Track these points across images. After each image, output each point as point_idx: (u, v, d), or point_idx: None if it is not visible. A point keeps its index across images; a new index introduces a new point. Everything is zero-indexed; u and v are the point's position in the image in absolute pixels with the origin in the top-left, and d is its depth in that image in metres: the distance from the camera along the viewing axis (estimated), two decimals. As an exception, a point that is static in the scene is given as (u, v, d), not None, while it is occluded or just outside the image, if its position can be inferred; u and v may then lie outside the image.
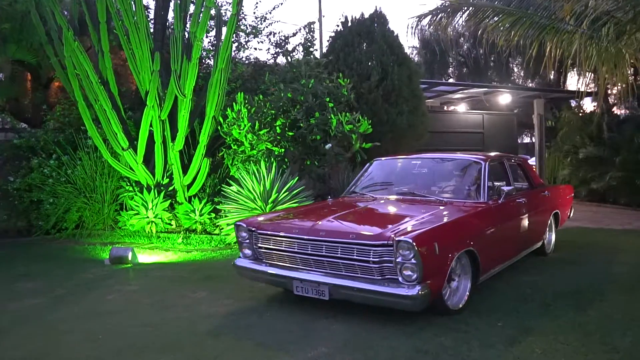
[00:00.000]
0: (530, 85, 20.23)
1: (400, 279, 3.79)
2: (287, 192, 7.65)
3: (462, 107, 17.25)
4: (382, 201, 5.34)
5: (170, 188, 8.80)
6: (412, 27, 7.21)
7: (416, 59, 21.81)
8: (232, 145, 8.67)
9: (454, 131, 13.72)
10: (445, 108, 17.51)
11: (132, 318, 4.39)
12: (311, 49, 10.89)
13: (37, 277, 6.00)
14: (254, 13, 16.58)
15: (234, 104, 8.40)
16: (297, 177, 7.84)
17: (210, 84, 8.04)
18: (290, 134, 8.36)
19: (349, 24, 10.26)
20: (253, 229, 4.65)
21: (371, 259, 3.89)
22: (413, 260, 3.71)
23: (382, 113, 9.37)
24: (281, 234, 4.44)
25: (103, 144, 8.48)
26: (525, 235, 5.66)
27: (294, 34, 11.76)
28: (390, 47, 9.81)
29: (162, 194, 8.55)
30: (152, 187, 8.70)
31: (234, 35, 12.13)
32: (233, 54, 12.73)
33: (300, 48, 11.41)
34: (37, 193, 9.19)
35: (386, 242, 3.83)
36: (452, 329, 3.94)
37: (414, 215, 4.49)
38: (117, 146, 8.34)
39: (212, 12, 8.06)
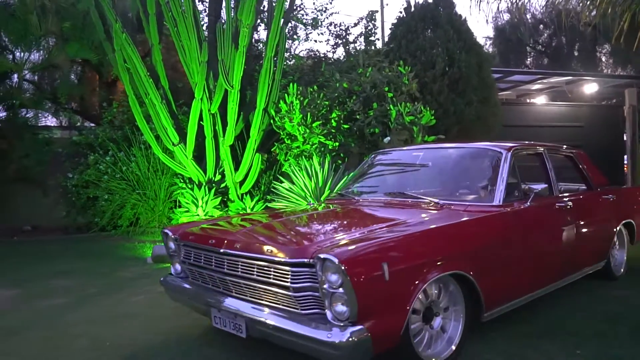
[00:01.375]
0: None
1: (329, 315, 2.63)
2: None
3: (540, 99, 15.85)
4: (360, 205, 4.23)
5: (223, 185, 8.46)
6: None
7: (490, 49, 20.45)
8: (285, 139, 8.20)
9: (543, 125, 12.47)
10: (528, 100, 16.17)
11: (148, 324, 3.97)
12: (372, 38, 10.21)
13: (75, 275, 5.79)
14: (314, 4, 16.05)
15: (286, 95, 7.91)
16: (352, 173, 7.22)
17: (260, 75, 7.59)
18: (346, 126, 7.74)
19: (412, 9, 9.47)
20: (178, 237, 3.69)
21: (290, 284, 2.73)
22: (341, 290, 2.54)
23: (448, 104, 8.53)
24: (199, 245, 3.47)
25: (154, 140, 8.26)
26: (574, 252, 4.32)
27: (355, 24, 11.13)
28: (457, 33, 8.93)
29: (212, 191, 8.21)
30: (204, 183, 8.39)
31: (291, 26, 11.73)
32: (292, 46, 12.34)
33: (362, 39, 10.77)
34: (93, 189, 9.17)
35: (307, 260, 2.68)
36: None
37: (376, 224, 3.35)
38: (167, 141, 8.08)
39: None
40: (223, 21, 8.40)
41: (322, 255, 2.57)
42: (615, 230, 5.12)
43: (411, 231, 3.10)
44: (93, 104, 12.45)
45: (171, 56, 10.17)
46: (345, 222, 3.78)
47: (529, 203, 3.77)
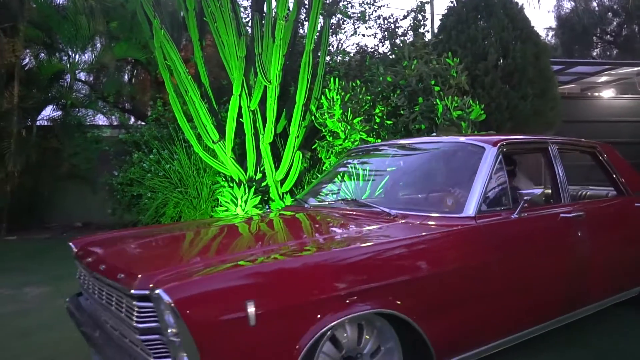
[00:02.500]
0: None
1: None
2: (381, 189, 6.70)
3: (607, 93, 14.73)
4: (292, 216, 3.56)
5: (264, 184, 8.27)
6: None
7: (552, 41, 19.30)
8: (327, 136, 7.90)
9: (610, 120, 11.55)
10: (593, 94, 15.10)
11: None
12: (421, 30, 9.72)
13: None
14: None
15: (327, 91, 7.60)
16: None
17: (300, 69, 7.33)
18: (389, 122, 7.35)
19: (464, -3, 8.94)
20: (76, 254, 3.01)
21: (135, 323, 2.07)
22: (175, 339, 1.89)
23: (501, 97, 7.96)
24: (79, 263, 2.90)
25: (194, 138, 8.16)
26: (591, 276, 3.45)
27: (405, 17, 10.65)
28: (512, 21, 8.33)
29: (252, 190, 8.03)
30: (244, 182, 8.23)
31: (339, 20, 11.39)
32: (340, 40, 12.01)
33: (411, 32, 10.29)
34: (137, 187, 9.20)
35: (147, 292, 1.98)
36: None
37: (273, 243, 2.77)
38: (207, 139, 7.96)
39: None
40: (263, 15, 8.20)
41: (156, 289, 1.89)
42: None
43: (310, 254, 2.28)
44: (145, 103, 12.63)
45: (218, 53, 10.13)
46: (237, 239, 3.11)
47: (516, 214, 2.93)
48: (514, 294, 2.90)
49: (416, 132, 7.43)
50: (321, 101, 7.61)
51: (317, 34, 7.36)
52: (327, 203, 3.89)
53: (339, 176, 4.22)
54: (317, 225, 3.23)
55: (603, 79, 13.93)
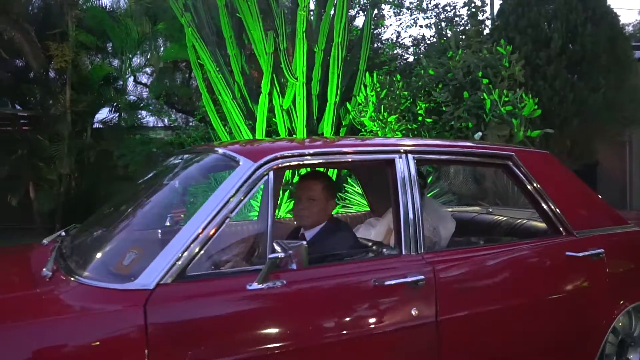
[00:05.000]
0: None
1: None
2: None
3: None
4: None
5: (301, 187, 7.80)
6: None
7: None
8: (366, 136, 7.27)
9: None
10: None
11: None
12: (480, 18, 8.77)
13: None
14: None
15: (362, 87, 6.98)
16: (430, 177, 6.11)
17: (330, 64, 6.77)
18: (429, 120, 6.57)
19: (526, -23, 7.90)
20: None
21: None
22: None
23: (566, 90, 6.89)
24: None
25: (229, 138, 7.85)
26: None
27: (465, 4, 9.72)
28: (582, 1, 7.21)
29: (286, 194, 7.58)
30: (280, 185, 7.81)
31: (387, 10, 10.67)
32: (398, 31, 11.27)
33: (469, 21, 9.37)
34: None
35: None
36: None
37: None
38: (240, 139, 7.62)
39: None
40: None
41: None
42: (606, 322, 2.54)
43: None
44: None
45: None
46: None
47: (257, 285, 1.77)
48: None
49: (462, 131, 6.60)
50: (358, 99, 7.00)
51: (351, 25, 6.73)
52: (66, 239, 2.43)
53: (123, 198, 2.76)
54: None
55: None
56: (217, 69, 7.36)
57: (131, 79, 11.10)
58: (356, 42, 8.15)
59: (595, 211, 2.61)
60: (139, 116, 10.92)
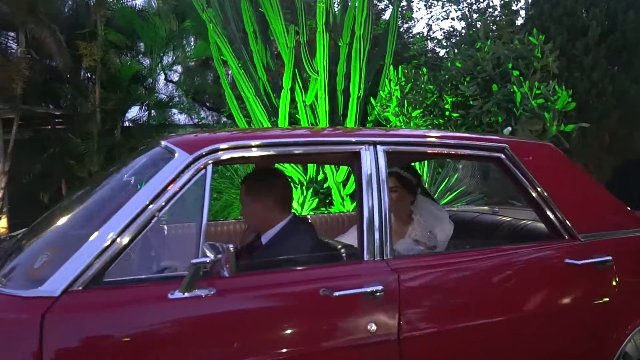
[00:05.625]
0: None
1: None
2: (448, 192, 5.79)
3: None
4: None
5: (326, 185, 7.64)
6: None
7: None
8: (392, 133, 7.04)
9: None
10: None
11: None
12: (514, 7, 8.39)
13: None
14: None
15: (386, 81, 6.74)
16: (456, 175, 5.85)
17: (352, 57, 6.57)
18: (456, 115, 6.28)
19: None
20: None
21: None
22: None
23: (605, 81, 6.47)
24: None
25: (252, 136, 7.76)
26: None
27: (500, -6, 9.33)
28: (624, -15, 6.76)
29: (310, 192, 7.43)
30: (305, 183, 7.67)
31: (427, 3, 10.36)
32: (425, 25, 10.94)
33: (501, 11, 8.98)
34: (205, 188, 9.07)
35: None
36: None
37: None
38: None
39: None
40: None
41: None
42: (615, 343, 2.16)
43: None
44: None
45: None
46: None
47: (185, 294, 1.55)
48: None
49: (491, 126, 6.28)
50: (382, 94, 6.77)
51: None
52: None
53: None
54: None
55: None
56: (240, 65, 7.26)
57: (162, 77, 11.17)
58: (383, 36, 7.92)
59: (607, 212, 2.21)
60: (169, 114, 10.97)
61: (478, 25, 7.97)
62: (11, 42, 8.74)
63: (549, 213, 2.02)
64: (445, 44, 7.94)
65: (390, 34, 7.38)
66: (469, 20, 8.33)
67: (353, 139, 1.90)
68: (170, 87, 11.71)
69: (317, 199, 7.38)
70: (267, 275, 1.73)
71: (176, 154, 1.67)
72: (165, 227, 2.40)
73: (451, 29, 9.76)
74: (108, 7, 9.54)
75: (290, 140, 1.87)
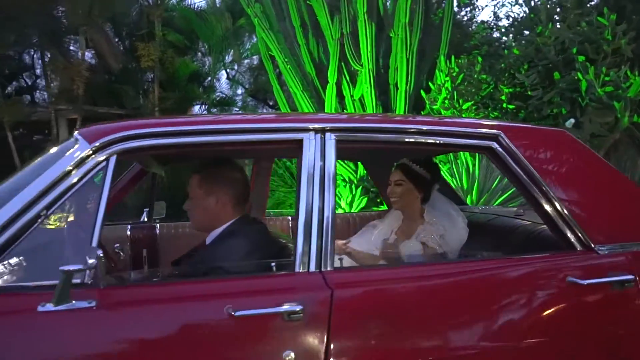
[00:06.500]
0: None
1: None
2: (500, 192, 5.30)
3: None
4: None
5: (377, 184, 7.33)
6: None
7: None
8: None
9: None
10: None
11: None
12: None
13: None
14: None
15: (437, 72, 6.31)
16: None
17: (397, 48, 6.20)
18: (511, 107, 5.75)
19: None
20: None
21: None
22: None
23: (691, 65, 5.68)
24: None
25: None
26: None
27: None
28: None
29: (359, 190, 7.12)
30: (355, 181, 7.38)
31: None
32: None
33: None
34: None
35: None
36: None
37: None
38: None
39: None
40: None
41: None
42: None
43: None
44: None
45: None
46: None
47: (57, 306, 1.23)
48: None
49: (553, 119, 5.69)
50: (431, 86, 6.35)
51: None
52: None
53: None
54: None
55: None
56: (286, 60, 7.09)
57: (223, 76, 11.28)
58: (439, 25, 7.47)
59: (636, 218, 1.66)
60: (229, 112, 11.04)
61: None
62: (73, 46, 9.10)
63: (556, 218, 1.56)
64: (504, 30, 7.34)
65: (445, 22, 6.94)
66: (531, 3, 7.65)
67: (294, 125, 1.55)
68: (226, 85, 11.82)
69: (366, 198, 7.06)
70: (168, 287, 1.46)
71: (77, 144, 1.42)
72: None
73: (514, 14, 9.07)
74: (167, 8, 9.72)
75: (215, 128, 1.54)
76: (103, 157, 1.38)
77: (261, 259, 1.62)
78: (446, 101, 5.84)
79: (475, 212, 2.39)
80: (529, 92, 5.67)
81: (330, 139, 1.52)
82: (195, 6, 10.66)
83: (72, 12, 7.62)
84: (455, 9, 10.82)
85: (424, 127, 1.61)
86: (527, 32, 6.63)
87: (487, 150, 1.61)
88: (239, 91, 12.00)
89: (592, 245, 1.54)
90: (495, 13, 10.21)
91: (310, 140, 1.51)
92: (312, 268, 1.40)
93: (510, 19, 9.56)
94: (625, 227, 1.61)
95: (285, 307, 1.30)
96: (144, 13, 9.60)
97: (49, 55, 9.33)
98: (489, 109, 5.85)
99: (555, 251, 1.59)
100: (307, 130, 1.52)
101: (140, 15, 9.83)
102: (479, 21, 10.27)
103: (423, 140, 1.60)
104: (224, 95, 11.11)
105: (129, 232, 2.51)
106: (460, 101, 5.80)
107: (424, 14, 7.16)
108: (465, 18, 10.94)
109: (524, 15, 7.14)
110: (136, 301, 1.33)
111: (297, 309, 1.30)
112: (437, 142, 1.61)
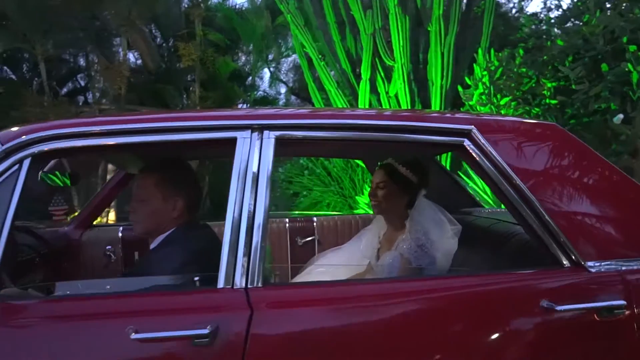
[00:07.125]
0: None
1: None
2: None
3: None
4: None
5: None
6: None
7: None
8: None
9: None
10: None
11: None
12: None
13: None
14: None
15: (475, 67, 6.00)
16: None
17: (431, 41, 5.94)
18: (553, 102, 5.38)
19: None
20: None
21: None
22: None
23: None
24: None
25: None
26: None
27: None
28: None
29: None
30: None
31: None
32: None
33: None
34: (296, 185, 8.91)
35: None
36: None
37: None
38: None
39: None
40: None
41: None
42: None
43: None
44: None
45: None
46: None
47: None
48: None
49: (605, 114, 5.27)
50: (468, 81, 6.04)
51: None
52: None
53: None
54: None
55: None
56: (320, 57, 6.96)
57: (266, 74, 11.28)
58: (481, 17, 7.12)
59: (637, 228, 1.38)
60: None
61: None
62: (115, 47, 9.33)
63: (538, 228, 1.32)
64: (552, 21, 6.90)
65: (486, 13, 6.60)
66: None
67: (227, 123, 1.39)
68: (265, 84, 11.81)
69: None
70: (72, 302, 1.29)
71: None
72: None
73: (564, 4, 8.52)
74: (208, 8, 9.80)
75: (140, 127, 1.38)
76: (16, 160, 1.29)
77: (199, 270, 1.46)
78: (483, 97, 5.54)
79: (481, 216, 2.15)
80: (574, 86, 5.28)
81: (269, 137, 1.35)
82: (237, 5, 10.71)
83: (113, 14, 7.79)
84: (502, 0, 10.38)
85: (390, 123, 1.41)
86: (572, 22, 6.20)
87: (458, 148, 1.40)
88: (283, 89, 11.97)
89: (582, 262, 1.29)
90: (545, 3, 9.64)
91: (245, 140, 1.34)
92: (238, 284, 1.24)
93: (560, 10, 9.03)
94: (624, 239, 1.34)
95: (193, 330, 1.15)
96: (182, 13, 9.72)
97: (96, 58, 9.62)
98: (532, 104, 5.50)
99: (541, 267, 1.35)
100: (241, 128, 1.37)
101: (180, 15, 9.96)
102: (528, 12, 9.79)
103: (386, 138, 1.41)
104: (265, 94, 11.10)
105: (120, 234, 2.45)
106: (498, 96, 5.48)
107: (465, 6, 6.87)
108: (514, 10, 10.46)
109: (572, 3, 6.68)
110: (48, 317, 1.22)
111: (205, 332, 1.14)
112: (401, 139, 1.41)
